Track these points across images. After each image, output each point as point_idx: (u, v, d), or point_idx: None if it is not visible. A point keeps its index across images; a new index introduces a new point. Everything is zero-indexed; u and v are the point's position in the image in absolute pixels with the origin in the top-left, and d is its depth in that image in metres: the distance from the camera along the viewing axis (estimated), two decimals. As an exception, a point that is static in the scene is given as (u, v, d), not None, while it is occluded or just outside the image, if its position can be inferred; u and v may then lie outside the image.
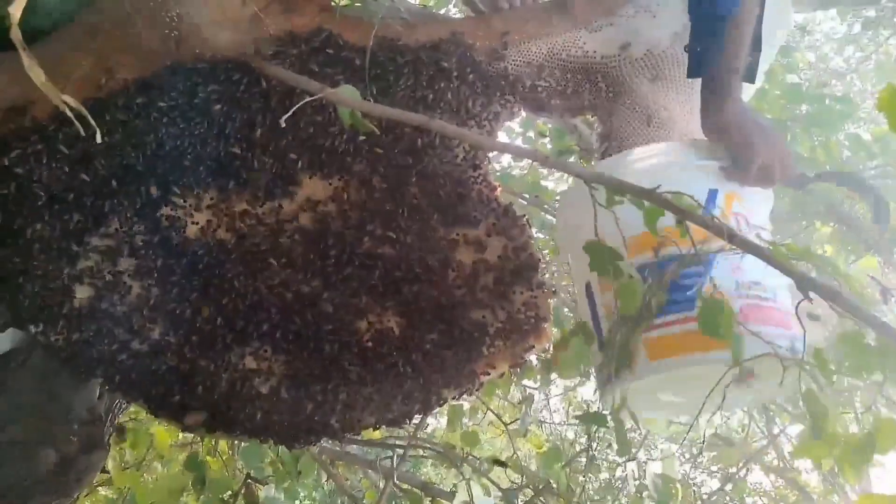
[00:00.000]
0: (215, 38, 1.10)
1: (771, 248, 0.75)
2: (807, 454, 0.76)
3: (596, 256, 0.88)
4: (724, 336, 0.79)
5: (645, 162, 1.13)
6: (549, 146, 2.67)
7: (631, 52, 1.25)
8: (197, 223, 1.07)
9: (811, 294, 0.73)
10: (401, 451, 1.87)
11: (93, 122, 0.77)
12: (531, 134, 2.70)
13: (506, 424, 1.90)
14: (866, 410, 0.75)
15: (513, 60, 1.23)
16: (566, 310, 2.37)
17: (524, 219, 1.18)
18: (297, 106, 0.96)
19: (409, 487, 2.03)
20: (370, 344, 1.09)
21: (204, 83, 1.09)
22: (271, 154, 1.10)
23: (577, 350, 0.96)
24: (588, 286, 1.12)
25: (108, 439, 1.50)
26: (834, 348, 0.84)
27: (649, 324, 0.94)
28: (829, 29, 4.27)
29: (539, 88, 1.26)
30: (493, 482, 1.82)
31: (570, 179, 1.22)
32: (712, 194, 1.05)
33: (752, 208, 1.10)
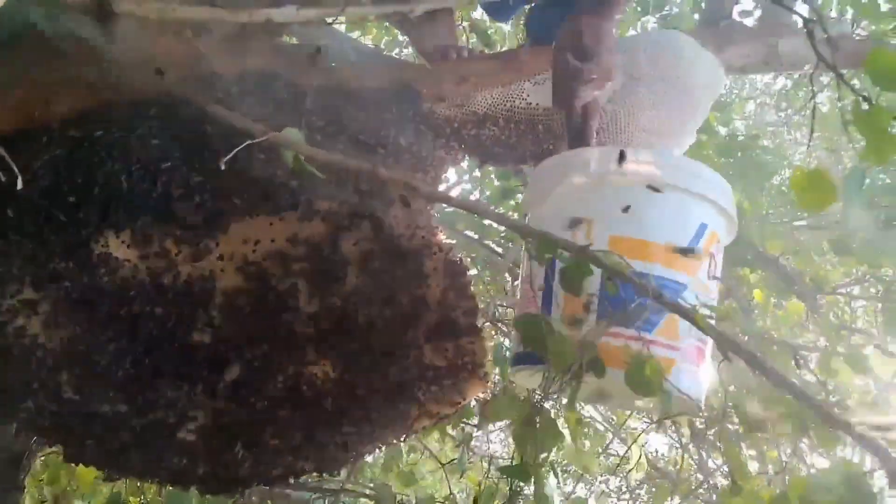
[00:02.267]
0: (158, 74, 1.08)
1: (694, 309, 0.78)
2: (728, 513, 0.79)
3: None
4: (651, 393, 0.82)
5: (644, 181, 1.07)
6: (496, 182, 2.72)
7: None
8: (130, 262, 1.04)
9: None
10: (332, 498, 1.84)
11: (11, 163, 0.74)
12: (477, 173, 2.74)
13: (443, 464, 1.90)
14: (780, 470, 0.78)
15: (458, 108, 1.26)
16: (506, 343, 2.39)
17: (464, 263, 1.19)
18: (239, 148, 0.95)
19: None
20: (303, 391, 1.07)
21: (143, 118, 1.08)
22: (210, 194, 1.08)
23: (508, 402, 0.98)
24: (553, 263, 1.05)
25: (24, 479, 1.43)
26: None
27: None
28: (764, 85, 4.52)
29: (483, 137, 1.29)
30: (427, 525, 1.80)
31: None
32: (701, 228, 1.06)
33: (723, 242, 1.12)
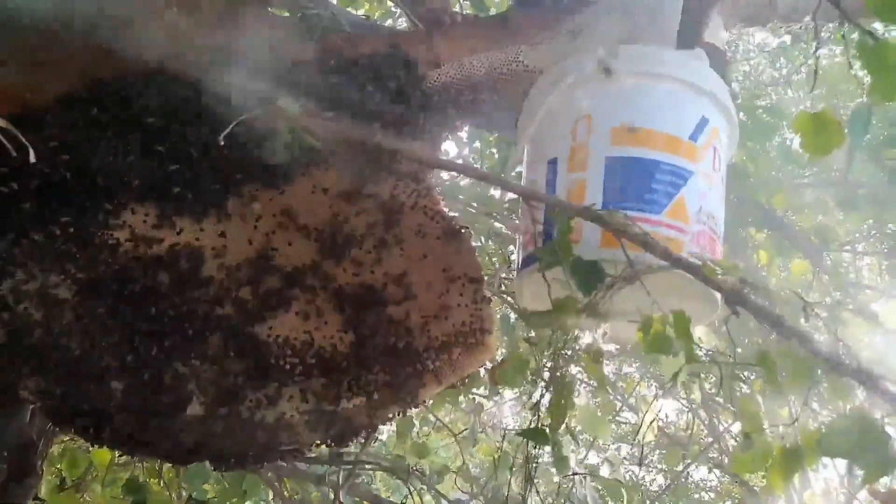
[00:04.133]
0: (151, 51, 1.07)
1: (701, 263, 0.77)
2: (741, 469, 0.78)
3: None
4: (664, 350, 0.81)
5: (640, 75, 1.07)
6: (495, 155, 2.70)
7: (570, 68, 1.27)
8: (131, 240, 1.04)
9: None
10: (348, 468, 1.86)
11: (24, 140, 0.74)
12: (477, 144, 2.72)
13: (455, 435, 1.91)
14: (791, 423, 0.78)
15: (454, 74, 1.24)
16: (512, 317, 2.39)
17: (467, 231, 1.18)
18: (236, 122, 0.94)
19: (360, 500, 2.01)
20: (313, 360, 1.07)
21: (138, 96, 1.06)
22: (212, 170, 1.07)
23: (516, 366, 0.97)
24: (553, 162, 1.08)
25: (41, 465, 1.44)
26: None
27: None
28: (762, 41, 4.44)
29: (480, 102, 1.28)
30: (441, 494, 1.81)
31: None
32: (703, 122, 1.06)
33: (725, 145, 1.13)
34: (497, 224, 2.51)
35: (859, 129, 0.59)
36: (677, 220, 0.98)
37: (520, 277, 1.14)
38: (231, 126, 0.93)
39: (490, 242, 2.50)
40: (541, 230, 1.04)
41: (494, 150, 2.70)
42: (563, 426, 0.99)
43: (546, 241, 1.02)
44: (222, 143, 0.93)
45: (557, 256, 0.83)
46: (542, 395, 1.21)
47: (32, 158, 0.76)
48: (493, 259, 2.56)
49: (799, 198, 2.33)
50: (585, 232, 0.96)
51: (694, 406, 3.36)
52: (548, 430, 0.95)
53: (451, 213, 1.20)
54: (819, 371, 0.80)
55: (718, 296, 0.85)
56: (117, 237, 1.03)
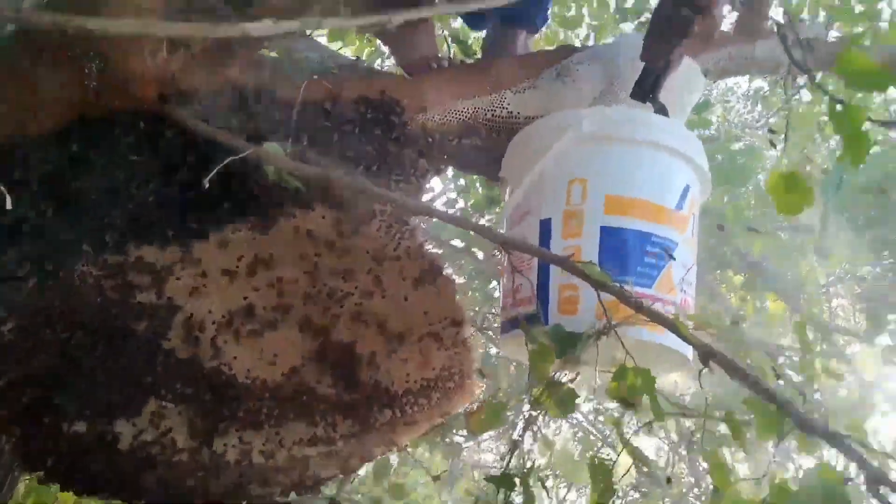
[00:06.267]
0: (137, 89, 1.08)
1: (674, 319, 0.79)
2: (711, 522, 0.79)
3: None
4: (629, 401, 0.82)
5: (633, 143, 1.09)
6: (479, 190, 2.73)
7: (552, 115, 1.30)
8: (108, 278, 1.03)
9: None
10: (323, 510, 1.82)
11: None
12: (462, 181, 2.75)
13: (434, 477, 1.89)
14: (765, 473, 0.79)
15: (440, 119, 1.27)
16: (493, 350, 2.39)
17: (450, 274, 1.19)
18: (222, 164, 0.95)
19: (335, 541, 1.96)
20: (289, 404, 1.06)
21: (122, 134, 1.07)
22: (188, 208, 1.07)
23: (492, 413, 0.98)
24: (547, 223, 1.08)
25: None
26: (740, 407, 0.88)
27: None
28: (734, 84, 4.57)
29: (465, 146, 1.30)
30: (419, 537, 1.78)
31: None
32: (685, 190, 1.09)
33: (698, 205, 1.16)
34: (480, 261, 2.52)
35: (832, 190, 0.61)
36: (666, 292, 1.00)
37: (504, 339, 1.16)
38: (216, 170, 0.93)
39: (476, 281, 2.51)
40: (524, 294, 1.05)
41: (479, 186, 2.72)
42: (541, 469, 0.99)
43: (540, 295, 1.01)
44: (207, 185, 0.94)
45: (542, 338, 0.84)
46: (519, 438, 1.21)
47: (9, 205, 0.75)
48: (477, 296, 2.57)
49: (775, 242, 2.37)
50: (583, 300, 0.96)
51: (673, 443, 3.36)
52: (518, 477, 0.94)
53: (435, 253, 1.21)
54: (788, 425, 0.82)
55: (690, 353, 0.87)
56: (94, 274, 1.02)
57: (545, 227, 1.08)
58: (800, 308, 2.38)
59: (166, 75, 1.05)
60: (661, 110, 1.11)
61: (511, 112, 1.30)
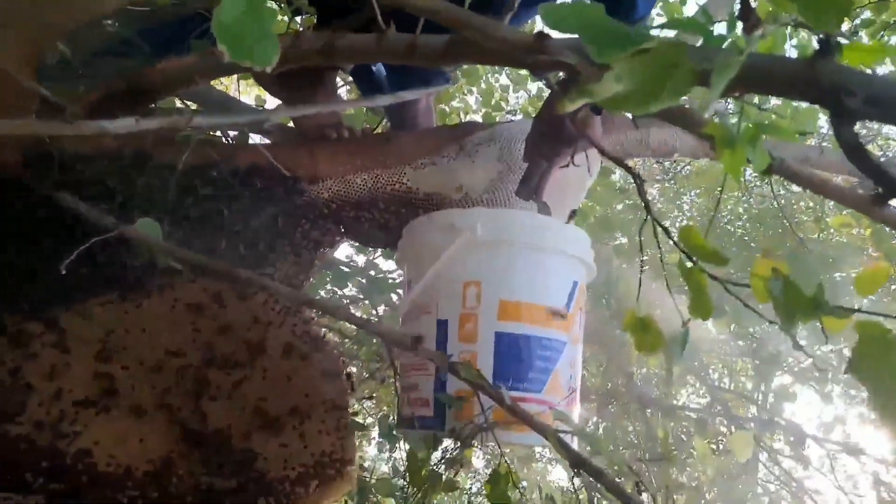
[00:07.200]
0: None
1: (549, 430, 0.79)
2: None
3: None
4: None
5: (523, 245, 1.09)
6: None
7: (448, 193, 1.30)
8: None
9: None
10: None
11: None
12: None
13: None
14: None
15: (336, 190, 1.24)
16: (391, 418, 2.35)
17: (338, 351, 1.16)
18: (86, 245, 0.89)
19: None
20: (155, 492, 0.99)
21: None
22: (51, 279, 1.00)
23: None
24: (444, 324, 1.07)
25: None
26: None
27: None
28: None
29: (362, 219, 1.28)
30: None
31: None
32: (573, 286, 1.10)
33: (584, 294, 1.18)
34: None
35: (678, 348, 0.63)
36: (553, 395, 1.01)
37: (402, 430, 1.15)
38: (80, 249, 0.87)
39: (375, 365, 2.46)
40: (422, 394, 1.05)
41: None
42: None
43: (439, 392, 1.02)
44: (72, 257, 0.87)
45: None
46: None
47: None
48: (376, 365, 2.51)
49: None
50: (476, 404, 0.96)
51: None
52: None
53: (322, 331, 1.17)
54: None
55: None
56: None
57: (442, 329, 1.07)
58: (696, 371, 2.49)
59: (31, 138, 0.98)
60: (544, 209, 1.13)
61: (410, 188, 1.29)
